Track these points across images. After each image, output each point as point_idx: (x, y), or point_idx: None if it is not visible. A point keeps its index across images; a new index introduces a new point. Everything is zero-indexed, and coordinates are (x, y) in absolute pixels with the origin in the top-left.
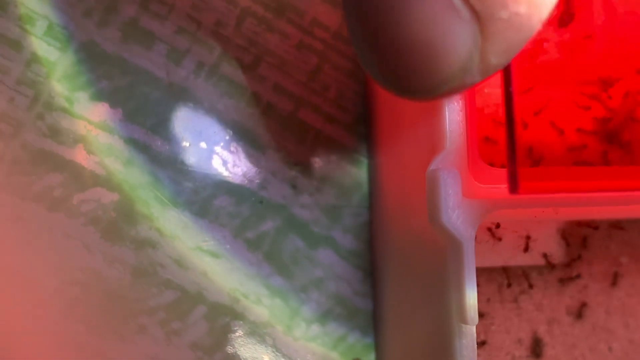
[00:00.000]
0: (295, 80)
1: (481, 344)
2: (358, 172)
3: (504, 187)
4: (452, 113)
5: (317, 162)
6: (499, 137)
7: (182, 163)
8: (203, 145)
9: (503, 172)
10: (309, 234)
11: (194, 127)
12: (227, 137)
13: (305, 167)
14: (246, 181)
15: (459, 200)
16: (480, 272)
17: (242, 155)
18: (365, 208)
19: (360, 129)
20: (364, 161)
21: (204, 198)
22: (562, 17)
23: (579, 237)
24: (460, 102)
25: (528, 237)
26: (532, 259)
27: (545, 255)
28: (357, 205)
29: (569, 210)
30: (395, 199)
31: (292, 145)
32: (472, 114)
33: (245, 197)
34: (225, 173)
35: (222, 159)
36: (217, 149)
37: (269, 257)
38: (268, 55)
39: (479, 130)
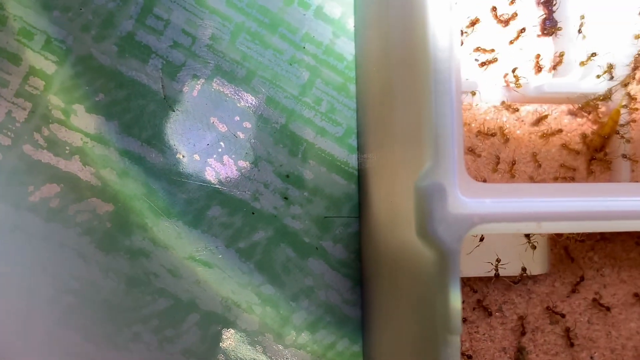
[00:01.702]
0: (287, 94)
1: (468, 358)
2: (348, 184)
3: (488, 201)
4: (440, 128)
5: (309, 174)
6: (483, 149)
7: (176, 174)
8: (197, 157)
9: (488, 187)
10: (299, 244)
11: (188, 139)
12: (220, 150)
13: (296, 179)
14: (239, 192)
15: (445, 213)
16: (465, 282)
17: (234, 167)
18: (355, 219)
19: (350, 142)
20: (354, 173)
21: (197, 209)
22: (545, 26)
23: (563, 249)
24: (448, 117)
25: (513, 249)
26: (516, 269)
27: (529, 267)
28: (347, 216)
29: (551, 224)
30: (384, 211)
31: (284, 157)
32: (460, 129)
33: (237, 208)
34: (218, 184)
35: (216, 170)
36: (211, 161)
37: (261, 267)
38: (261, 69)
39: (465, 144)
